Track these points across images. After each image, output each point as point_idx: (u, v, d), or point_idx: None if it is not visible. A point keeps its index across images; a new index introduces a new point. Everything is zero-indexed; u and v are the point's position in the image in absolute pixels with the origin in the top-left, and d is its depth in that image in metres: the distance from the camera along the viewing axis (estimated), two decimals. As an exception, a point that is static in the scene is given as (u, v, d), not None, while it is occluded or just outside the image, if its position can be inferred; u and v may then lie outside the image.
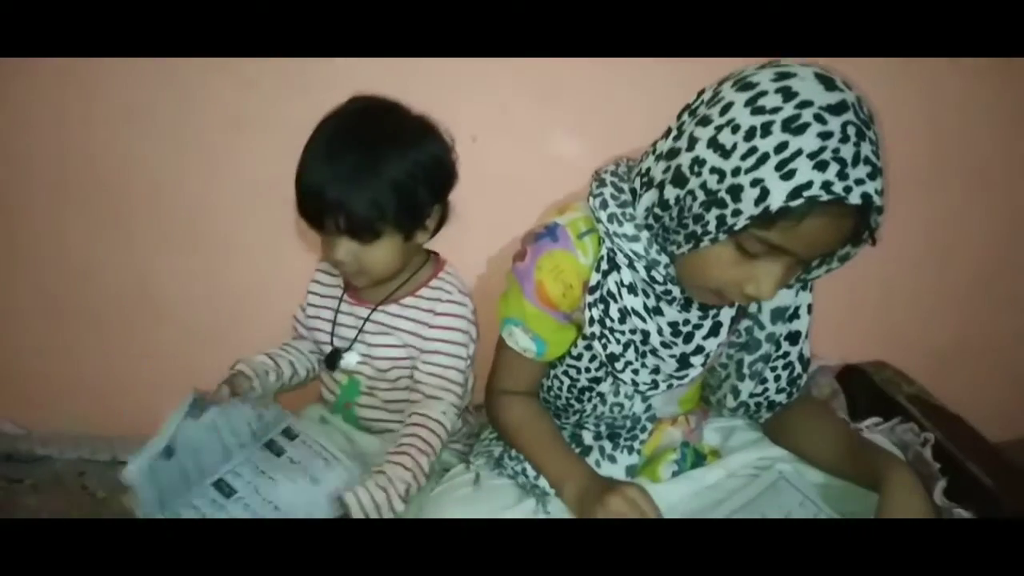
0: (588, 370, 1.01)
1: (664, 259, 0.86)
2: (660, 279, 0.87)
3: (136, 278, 1.36)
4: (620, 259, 0.88)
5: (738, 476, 0.99)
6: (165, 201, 1.31)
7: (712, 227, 0.75)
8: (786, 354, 0.97)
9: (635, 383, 0.96)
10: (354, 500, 0.91)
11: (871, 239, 0.79)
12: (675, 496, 0.98)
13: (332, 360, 1.10)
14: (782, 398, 1.00)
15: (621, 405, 1.03)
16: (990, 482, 1.01)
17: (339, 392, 1.14)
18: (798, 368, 0.99)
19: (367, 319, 1.09)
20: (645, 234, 0.87)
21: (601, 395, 1.02)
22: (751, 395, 1.00)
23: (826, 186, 0.70)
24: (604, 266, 0.90)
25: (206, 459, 0.96)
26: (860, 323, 1.51)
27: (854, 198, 0.70)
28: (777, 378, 0.99)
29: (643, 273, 0.87)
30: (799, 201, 0.70)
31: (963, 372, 1.53)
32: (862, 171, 0.71)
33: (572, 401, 1.04)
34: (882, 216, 0.76)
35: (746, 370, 0.98)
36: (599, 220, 0.89)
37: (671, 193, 0.81)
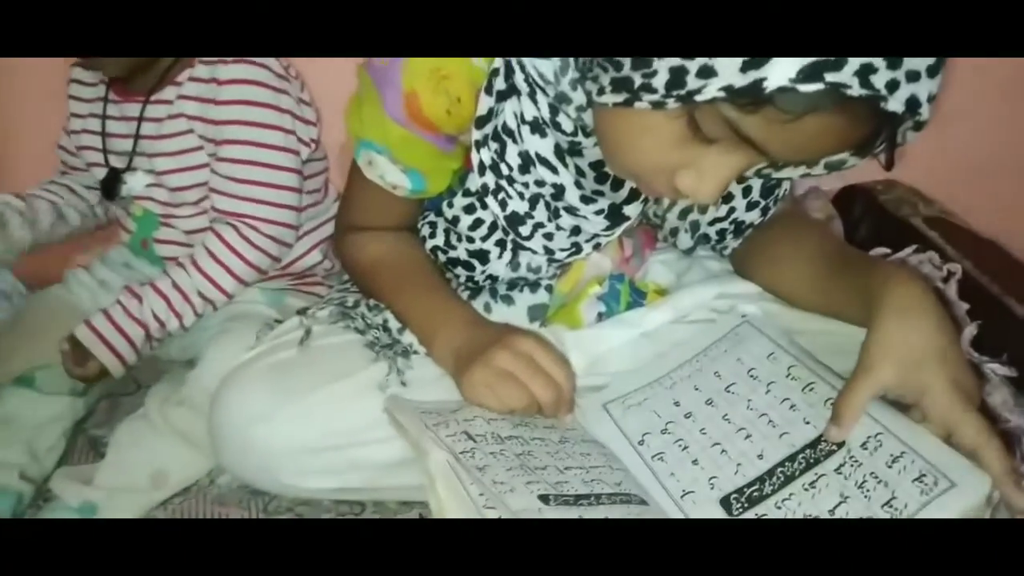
0: (471, 239, 0.78)
1: (579, 98, 0.65)
2: (567, 126, 0.68)
3: None
4: (519, 81, 0.68)
5: (688, 322, 0.80)
6: None
7: (661, 85, 0.53)
8: None
9: (548, 250, 0.78)
10: (87, 334, 0.82)
11: (887, 158, 0.58)
12: (601, 346, 0.79)
13: (110, 186, 0.94)
14: (754, 217, 0.80)
15: (524, 279, 0.81)
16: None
17: (134, 228, 0.98)
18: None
19: (141, 117, 0.91)
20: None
21: (492, 276, 0.81)
22: (713, 221, 0.80)
23: (863, 74, 0.48)
24: (499, 84, 0.69)
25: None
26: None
27: (895, 103, 0.50)
28: (747, 190, 0.78)
29: (546, 111, 0.68)
30: (815, 86, 0.48)
31: (996, 192, 1.31)
32: (920, 62, 0.50)
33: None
34: (919, 132, 0.56)
35: None
36: None
37: None
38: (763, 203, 0.79)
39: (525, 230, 0.75)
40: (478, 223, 0.77)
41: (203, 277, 0.86)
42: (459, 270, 0.81)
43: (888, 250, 0.88)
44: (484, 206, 0.76)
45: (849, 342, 0.65)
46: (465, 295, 0.82)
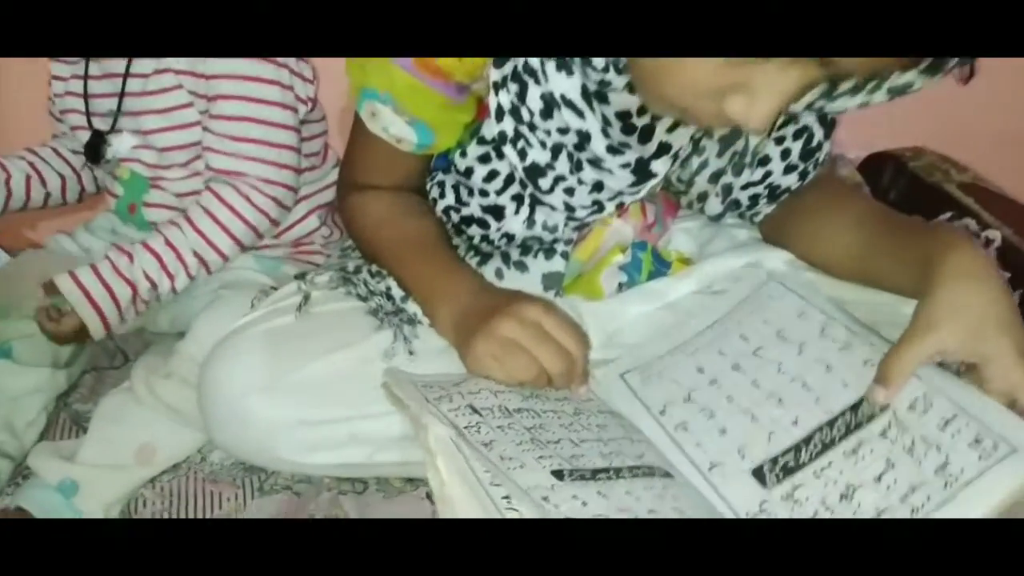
0: (485, 193, 0.73)
1: None
2: (598, 60, 0.62)
3: None
4: None
5: (713, 292, 0.76)
6: None
7: None
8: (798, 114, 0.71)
9: (569, 207, 0.72)
10: (71, 287, 0.77)
11: (966, 71, 0.55)
12: (620, 318, 0.75)
13: (94, 150, 0.88)
14: (791, 181, 0.75)
15: (539, 239, 0.76)
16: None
17: (121, 192, 0.92)
18: (818, 134, 0.73)
19: (126, 73, 0.85)
20: None
21: (507, 234, 0.75)
22: (746, 185, 0.75)
23: None
24: None
25: None
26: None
27: None
28: (786, 153, 0.73)
29: None
30: None
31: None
32: None
33: (451, 229, 0.79)
34: None
35: (739, 155, 0.72)
36: None
37: None
38: (801, 167, 0.74)
39: (545, 183, 0.70)
40: (493, 175, 0.73)
41: (198, 235, 0.81)
42: (473, 229, 0.76)
43: (921, 218, 0.83)
44: (500, 156, 0.71)
45: (891, 313, 0.62)
46: (474, 262, 0.77)
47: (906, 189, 1.01)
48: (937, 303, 0.56)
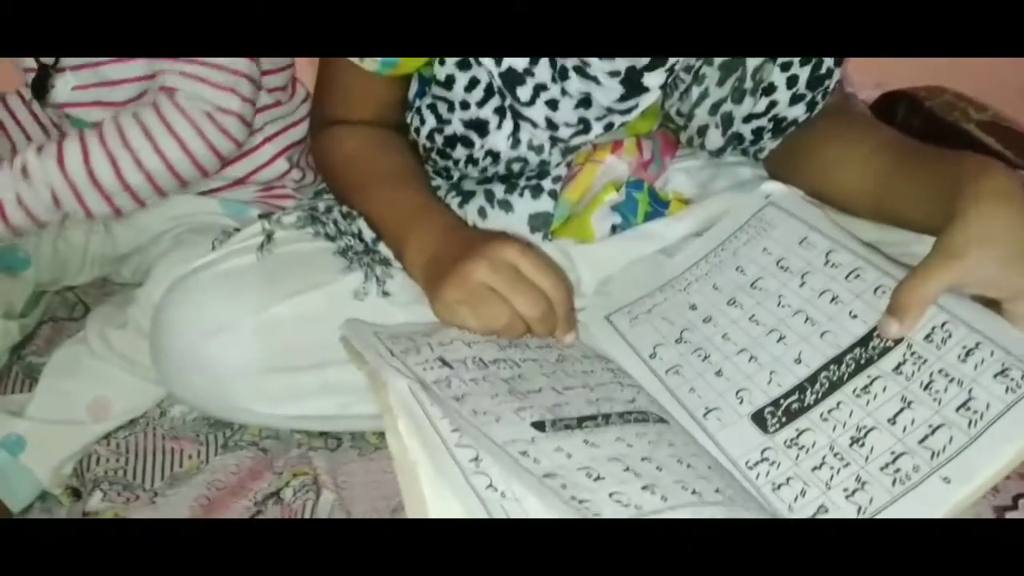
0: (467, 105, 0.68)
1: None
2: None
3: None
4: None
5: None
6: None
7: None
8: None
9: (551, 123, 0.67)
10: None
11: None
12: (614, 262, 0.71)
13: (39, 86, 0.80)
14: (798, 113, 0.69)
15: (524, 160, 0.71)
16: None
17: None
18: (827, 60, 0.67)
19: None
20: None
21: (492, 152, 0.70)
22: (749, 117, 0.69)
23: None
24: None
25: None
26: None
27: None
28: (792, 80, 0.67)
29: None
30: None
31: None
32: None
33: (436, 156, 0.73)
34: None
35: (739, 80, 0.67)
36: None
37: None
38: (809, 96, 0.68)
39: (524, 92, 0.65)
40: (474, 83, 0.68)
41: (126, 150, 0.73)
42: (458, 150, 0.71)
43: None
44: (479, 61, 0.66)
45: (908, 253, 0.57)
46: (456, 202, 0.72)
47: (921, 129, 0.95)
48: (965, 227, 0.51)
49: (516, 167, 0.71)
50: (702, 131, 0.73)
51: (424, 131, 0.71)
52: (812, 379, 0.52)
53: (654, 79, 0.64)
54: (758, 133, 0.71)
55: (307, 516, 0.64)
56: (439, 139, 0.71)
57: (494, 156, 0.70)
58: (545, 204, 0.71)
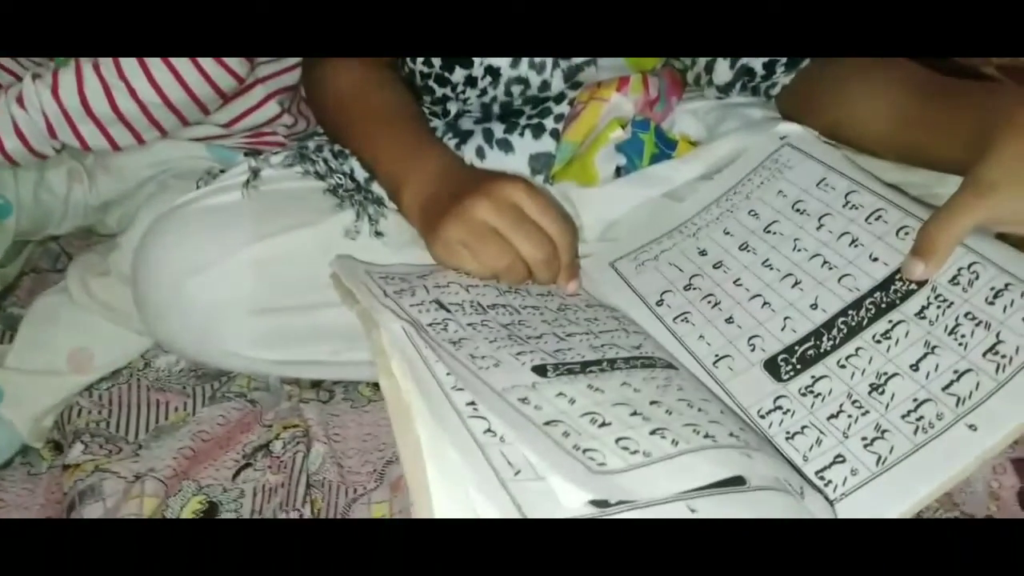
0: None
1: None
2: None
3: None
4: None
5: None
6: None
7: None
8: None
9: None
10: None
11: None
12: (618, 206, 0.67)
13: None
14: None
15: (525, 81, 0.67)
16: None
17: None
18: None
19: None
20: None
21: (492, 69, 0.66)
22: None
23: None
24: None
25: None
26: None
27: None
28: None
29: None
30: None
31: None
32: None
33: (433, 84, 0.69)
34: None
35: None
36: None
37: None
38: None
39: None
40: None
41: (117, 72, 0.68)
42: (456, 73, 0.68)
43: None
44: None
45: (931, 195, 0.55)
46: (453, 143, 0.69)
47: (939, 72, 0.91)
48: (1000, 162, 0.47)
49: (516, 90, 0.67)
50: (710, 66, 0.70)
51: (421, 57, 0.68)
52: (829, 325, 0.49)
53: None
54: (770, 67, 0.67)
55: (297, 469, 0.61)
56: (437, 64, 0.67)
57: (493, 74, 0.67)
58: (547, 144, 0.67)
